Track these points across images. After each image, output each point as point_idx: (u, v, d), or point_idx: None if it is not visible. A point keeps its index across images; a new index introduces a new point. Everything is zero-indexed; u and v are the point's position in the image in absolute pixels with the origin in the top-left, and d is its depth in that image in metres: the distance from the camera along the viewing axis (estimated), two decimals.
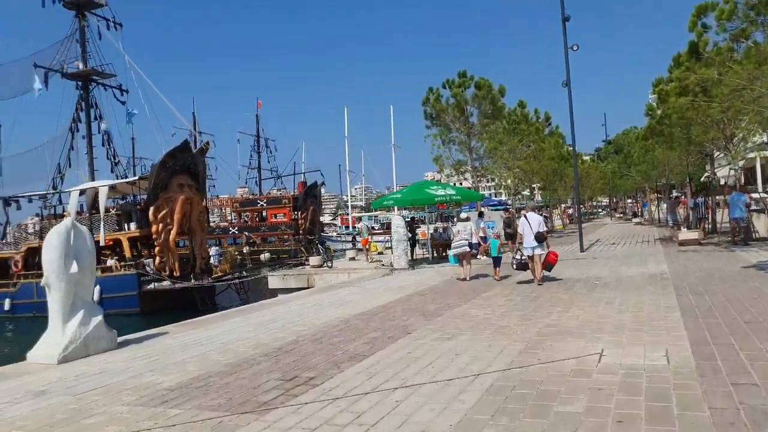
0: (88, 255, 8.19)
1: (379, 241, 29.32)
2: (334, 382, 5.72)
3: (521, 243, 12.79)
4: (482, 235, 18.31)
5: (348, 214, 74.63)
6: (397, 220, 19.83)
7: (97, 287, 24.12)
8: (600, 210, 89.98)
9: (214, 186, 69.82)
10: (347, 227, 69.15)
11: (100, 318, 8.18)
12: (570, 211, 57.08)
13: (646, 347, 6.25)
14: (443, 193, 19.46)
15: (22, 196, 27.57)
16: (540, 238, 12.33)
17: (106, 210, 25.85)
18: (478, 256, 20.24)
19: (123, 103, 30.12)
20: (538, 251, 12.32)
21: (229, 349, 7.74)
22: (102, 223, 25.00)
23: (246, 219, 54.27)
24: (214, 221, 61.23)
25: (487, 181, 32.39)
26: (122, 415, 5.13)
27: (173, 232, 25.19)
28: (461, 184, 37.04)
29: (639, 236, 27.29)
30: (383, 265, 20.50)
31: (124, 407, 5.37)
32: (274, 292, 21.71)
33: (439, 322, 8.67)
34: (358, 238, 26.85)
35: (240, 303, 24.63)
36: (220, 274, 26.40)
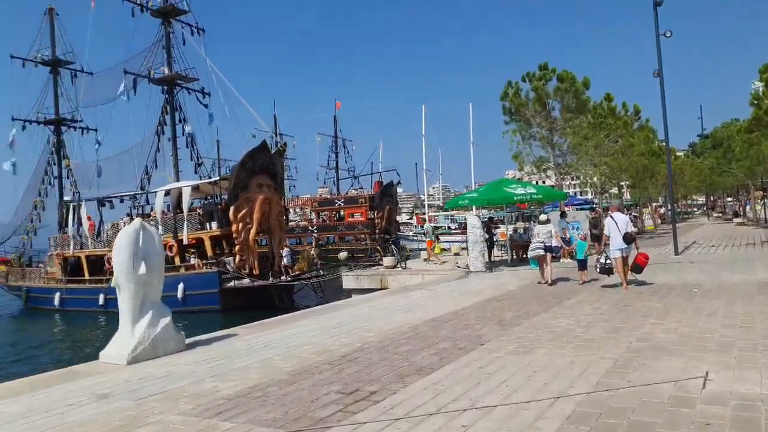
0: (157, 256, 8.19)
1: (456, 242, 28.60)
2: (397, 399, 5.25)
3: (607, 245, 12.06)
4: (562, 237, 17.25)
5: (425, 214, 74.06)
6: (473, 220, 19.10)
7: (181, 284, 25.19)
8: (695, 209, 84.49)
9: (294, 186, 71.63)
10: (422, 227, 68.62)
11: (168, 319, 8.17)
12: (662, 210, 53.63)
13: (762, 372, 5.34)
14: (523, 191, 18.53)
15: (114, 197, 29.17)
16: (628, 238, 11.61)
17: (190, 209, 26.81)
18: (562, 259, 19.20)
19: (205, 106, 31.24)
20: (625, 253, 11.73)
21: (293, 355, 7.47)
22: (185, 222, 25.95)
23: (324, 218, 55.09)
24: (294, 221, 62.69)
25: (572, 179, 30.76)
26: (175, 426, 4.91)
27: (252, 231, 25.71)
28: (544, 182, 35.61)
29: (742, 238, 24.96)
30: (459, 267, 19.83)
31: (179, 417, 5.17)
32: (349, 293, 21.65)
33: (516, 333, 8.00)
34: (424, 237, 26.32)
35: (317, 302, 24.79)
36: (297, 272, 26.67)
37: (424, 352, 7.14)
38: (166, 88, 29.91)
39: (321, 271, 27.50)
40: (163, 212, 26.81)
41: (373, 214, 51.98)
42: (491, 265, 19.84)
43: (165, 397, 5.86)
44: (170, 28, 30.32)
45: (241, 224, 25.26)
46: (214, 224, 25.93)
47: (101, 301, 27.19)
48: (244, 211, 25.35)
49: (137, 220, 8.16)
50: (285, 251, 25.77)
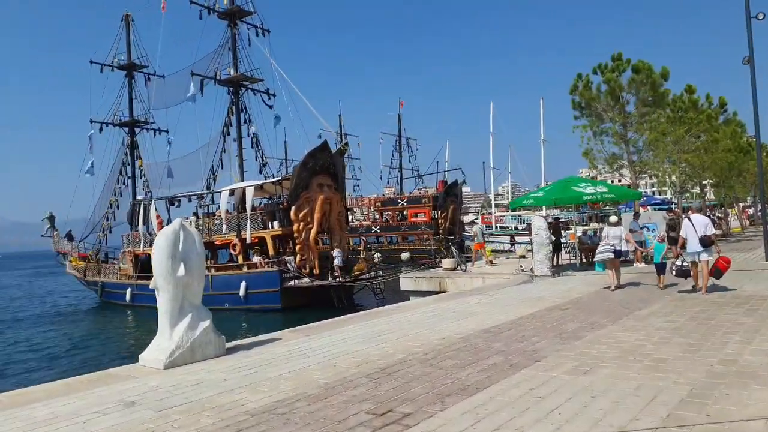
0: (197, 258, 7.96)
1: (522, 243, 27.44)
2: (432, 424, 4.66)
3: (684, 248, 11.43)
4: (637, 240, 16.03)
5: (490, 213, 72.35)
6: (538, 221, 18.10)
7: (243, 282, 25.49)
8: None
9: (358, 186, 71.81)
10: (489, 227, 67.03)
11: (208, 323, 7.91)
12: (750, 211, 49.73)
13: None
14: (593, 190, 17.35)
15: (182, 196, 29.98)
16: (706, 242, 11.02)
17: (253, 209, 27.12)
18: (635, 264, 17.89)
19: (270, 107, 31.57)
20: (703, 257, 11.19)
21: (332, 365, 7.01)
22: (248, 221, 26.25)
23: (387, 218, 54.77)
24: (358, 220, 62.84)
25: (650, 178, 28.77)
26: None
27: (313, 231, 25.66)
28: (619, 181, 33.61)
29: None
30: (523, 270, 18.87)
31: None
32: (406, 295, 21.14)
33: (577, 348, 7.19)
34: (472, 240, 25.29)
35: (376, 303, 24.43)
36: (356, 273, 26.40)
37: (471, 367, 6.50)
38: (231, 89, 30.48)
39: (380, 272, 27.11)
40: (227, 211, 27.26)
41: (437, 214, 51.19)
42: (558, 270, 18.79)
43: (189, 408, 5.54)
44: (236, 30, 30.85)
45: (302, 224, 25.27)
46: (275, 223, 26.09)
47: None
48: (305, 211, 25.35)
49: (177, 221, 7.96)
50: (336, 251, 25.52)
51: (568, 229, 28.99)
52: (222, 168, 29.72)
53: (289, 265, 24.94)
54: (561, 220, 26.70)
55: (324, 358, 7.48)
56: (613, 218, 15.19)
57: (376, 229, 55.48)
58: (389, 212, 54.69)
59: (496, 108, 68.81)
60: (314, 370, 6.85)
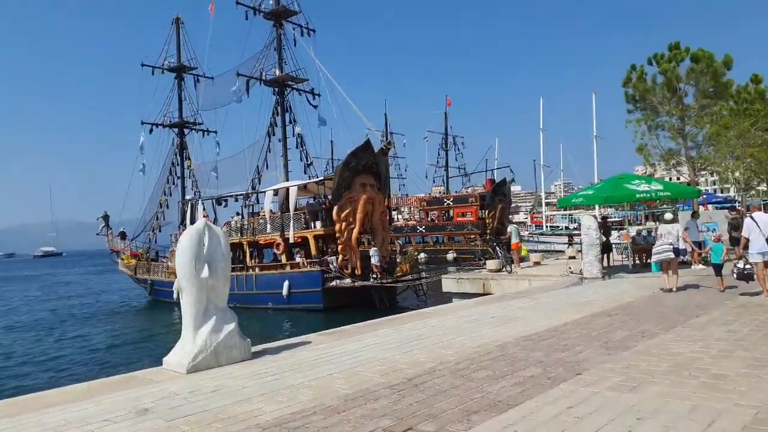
0: (222, 259, 7.72)
1: (575, 244, 26.35)
2: None
3: (746, 248, 10.74)
4: (695, 241, 15.00)
5: (540, 213, 70.53)
6: (588, 221, 17.22)
7: (286, 282, 25.49)
8: None
9: (404, 185, 71.38)
10: (538, 227, 65.29)
11: (233, 325, 7.67)
12: None
13: None
14: (647, 188, 16.33)
15: (229, 196, 30.33)
16: None
17: (297, 209, 27.13)
18: (693, 266, 16.77)
19: (315, 107, 31.52)
20: None
21: (356, 373, 6.62)
22: (292, 221, 26.25)
23: (433, 218, 54.13)
24: (404, 219, 62.41)
25: (710, 174, 27.12)
26: None
27: (355, 231, 25.41)
28: (678, 179, 31.84)
29: None
30: (572, 272, 18.02)
31: None
32: (449, 297, 20.60)
33: (624, 360, 6.55)
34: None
35: (418, 305, 23.96)
36: (399, 274, 25.99)
37: (504, 380, 5.97)
38: (277, 89, 30.60)
39: (423, 273, 26.60)
40: (271, 211, 27.36)
41: (484, 213, 50.20)
42: (609, 272, 17.87)
43: (201, 419, 5.25)
44: (281, 30, 30.95)
45: (344, 224, 25.06)
46: (318, 223, 25.99)
47: None
48: (347, 211, 25.12)
49: (201, 220, 7.75)
50: (372, 251, 25.14)
51: (622, 228, 27.64)
52: (267, 168, 29.92)
53: (331, 265, 24.77)
54: (613, 219, 25.32)
55: (350, 365, 7.10)
56: (669, 215, 14.26)
57: (421, 228, 54.95)
58: (435, 212, 54.05)
59: (546, 103, 67.15)
60: (337, 378, 6.48)
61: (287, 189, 26.81)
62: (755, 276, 10.69)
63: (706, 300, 10.95)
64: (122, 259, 37.88)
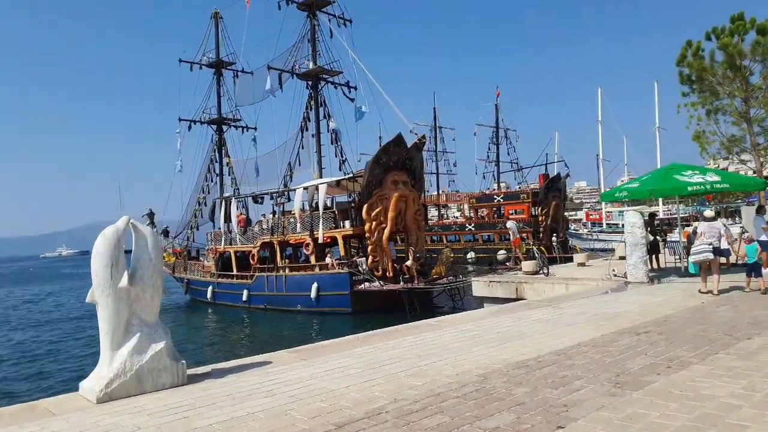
0: (149, 264, 6.57)
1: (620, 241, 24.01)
2: None
3: None
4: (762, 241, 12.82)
5: (599, 210, 66.89)
6: (633, 218, 15.19)
7: (315, 284, 24.46)
8: None
9: (453, 181, 69.36)
10: (595, 224, 61.79)
11: (162, 345, 6.48)
12: None
13: None
14: (700, 179, 14.16)
15: (264, 194, 29.67)
16: None
17: (327, 207, 26.09)
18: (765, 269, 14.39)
19: (352, 100, 30.29)
20: None
21: (283, 414, 5.29)
22: (321, 220, 25.20)
23: (482, 215, 52.03)
24: (455, 217, 60.52)
25: None
26: None
27: (387, 231, 24.08)
28: (744, 172, 28.68)
29: None
30: (616, 275, 16.04)
31: None
32: (480, 301, 19.00)
33: (631, 406, 4.92)
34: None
35: (452, 309, 22.42)
36: (434, 276, 24.46)
37: (462, 429, 4.50)
38: (310, 83, 29.64)
39: (460, 275, 24.96)
40: (301, 210, 26.43)
41: (537, 210, 47.69)
42: (659, 275, 15.79)
43: None
44: (316, 21, 29.93)
45: (374, 223, 23.77)
46: (347, 223, 24.83)
47: (244, 297, 27.73)
48: (377, 210, 23.82)
49: (123, 219, 6.59)
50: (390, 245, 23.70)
51: (675, 227, 24.78)
52: (299, 165, 28.96)
53: (360, 267, 23.55)
54: (663, 216, 22.54)
55: (286, 400, 5.78)
56: (709, 212, 12.64)
57: (470, 227, 52.99)
58: (485, 209, 51.93)
59: (605, 94, 63.58)
60: (259, 419, 5.17)
61: (316, 186, 25.79)
62: None
63: (765, 315, 8.96)
64: (163, 258, 38.02)
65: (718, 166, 27.58)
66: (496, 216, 50.92)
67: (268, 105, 34.53)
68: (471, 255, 49.45)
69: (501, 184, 65.89)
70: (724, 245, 11.96)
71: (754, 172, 18.09)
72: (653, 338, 7.66)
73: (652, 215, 18.52)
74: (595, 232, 59.47)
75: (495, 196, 51.69)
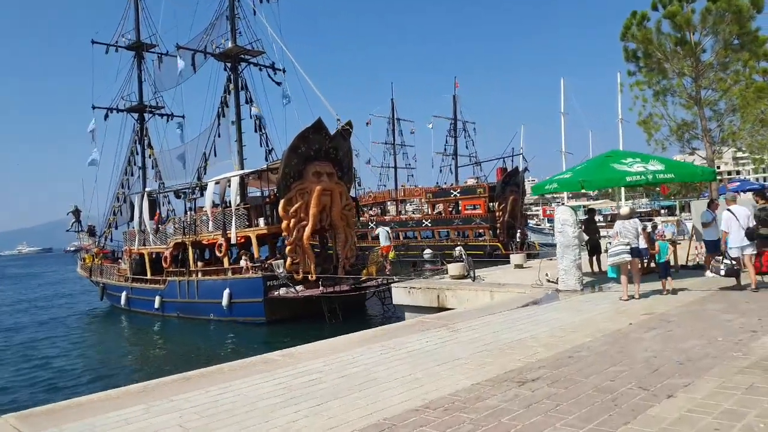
0: None
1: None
2: None
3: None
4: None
5: (554, 205, 65.38)
6: (563, 214, 12.89)
7: (227, 290, 21.68)
8: None
9: (412, 175, 67.08)
10: (551, 220, 60.11)
11: None
12: None
13: None
14: (641, 168, 11.92)
15: (169, 191, 26.82)
16: (751, 234, 10.23)
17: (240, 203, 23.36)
18: (707, 273, 12.24)
19: (278, 83, 27.52)
20: (749, 251, 10.35)
21: None
22: (234, 218, 22.45)
23: (440, 211, 49.71)
24: (412, 213, 58.16)
25: (738, 151, 22.05)
26: None
27: (308, 229, 21.45)
28: (719, 167, 26.66)
29: None
30: (549, 281, 13.77)
31: None
32: (401, 311, 16.64)
33: None
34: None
35: (383, 318, 20.08)
36: (363, 278, 21.89)
37: None
38: (229, 64, 26.72)
39: (395, 277, 22.46)
40: (214, 206, 23.63)
41: (494, 205, 45.55)
42: (597, 280, 13.62)
43: None
44: None
45: (293, 220, 21.10)
46: (261, 220, 22.12)
47: (157, 304, 24.80)
48: (297, 205, 21.15)
49: None
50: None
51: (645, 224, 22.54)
52: (216, 156, 25.98)
53: (277, 270, 20.87)
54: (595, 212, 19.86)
55: None
56: (625, 208, 11.21)
57: (427, 222, 50.64)
58: (441, 204, 49.62)
59: (572, 86, 62.05)
60: None
61: (228, 179, 23.02)
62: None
63: (705, 345, 6.62)
64: (83, 260, 34.66)
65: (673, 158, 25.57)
66: (453, 212, 48.72)
67: (200, 91, 31.03)
68: (427, 252, 47.18)
69: (477, 179, 63.63)
70: (642, 245, 10.68)
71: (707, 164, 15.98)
72: (537, 394, 5.21)
73: (592, 210, 16.32)
74: (551, 228, 57.83)
75: (452, 191, 49.43)
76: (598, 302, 10.69)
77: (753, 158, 19.44)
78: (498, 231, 45.43)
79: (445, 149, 58.46)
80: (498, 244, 44.24)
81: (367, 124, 66.84)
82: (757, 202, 11.85)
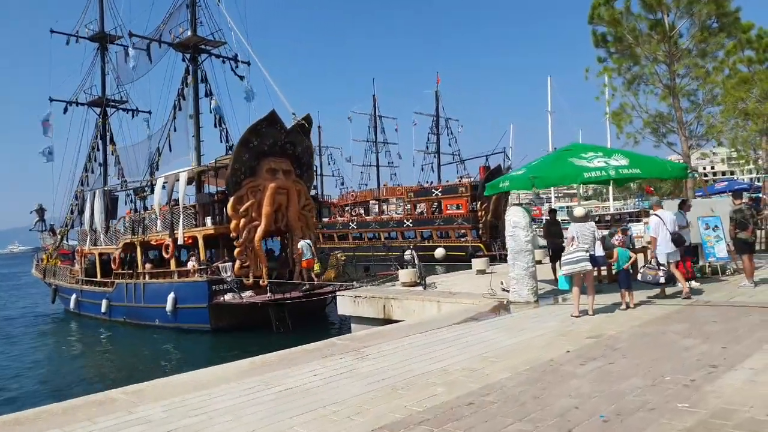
0: None
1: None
2: None
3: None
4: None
5: (539, 205, 64.05)
6: (515, 216, 11.42)
7: (172, 294, 20.09)
8: None
9: (395, 174, 65.56)
10: (534, 220, 58.74)
11: None
12: None
13: None
14: (602, 163, 10.44)
15: (120, 190, 25.28)
16: (677, 240, 9.68)
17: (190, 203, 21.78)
18: (639, 277, 10.68)
19: (241, 78, 25.96)
20: (674, 258, 9.75)
21: None
22: (181, 217, 20.87)
23: (422, 211, 48.21)
24: (396, 213, 56.59)
25: (718, 145, 20.56)
26: None
27: (260, 230, 19.93)
28: (701, 169, 25.24)
29: None
30: (504, 290, 12.28)
31: None
32: (347, 322, 15.23)
33: None
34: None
35: (339, 328, 18.59)
36: (317, 283, 20.32)
37: None
38: (189, 56, 25.14)
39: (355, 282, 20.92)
40: (162, 204, 22.05)
41: (476, 205, 44.06)
42: (556, 292, 12.16)
43: None
44: None
45: (243, 220, 19.58)
46: (209, 220, 20.56)
47: (103, 308, 23.18)
48: (248, 204, 19.63)
49: None
50: (303, 243, 19.49)
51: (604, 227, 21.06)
52: (171, 151, 24.39)
53: (224, 273, 19.32)
54: (614, 212, 18.60)
55: None
56: (579, 210, 9.83)
57: (408, 222, 49.18)
58: (423, 203, 48.12)
59: (555, 83, 60.61)
60: None
61: (177, 176, 21.44)
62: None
63: (647, 388, 5.13)
64: (41, 261, 32.97)
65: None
66: (434, 211, 47.24)
67: (168, 85, 29.31)
68: (408, 253, 45.70)
69: (461, 178, 62.00)
70: (599, 251, 9.39)
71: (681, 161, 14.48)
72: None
73: (554, 211, 14.88)
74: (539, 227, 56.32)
75: (433, 190, 47.94)
76: (547, 319, 9.21)
77: (738, 156, 17.93)
78: (480, 231, 44.04)
79: (427, 147, 56.97)
80: (480, 244, 42.78)
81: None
82: (734, 203, 10.42)
